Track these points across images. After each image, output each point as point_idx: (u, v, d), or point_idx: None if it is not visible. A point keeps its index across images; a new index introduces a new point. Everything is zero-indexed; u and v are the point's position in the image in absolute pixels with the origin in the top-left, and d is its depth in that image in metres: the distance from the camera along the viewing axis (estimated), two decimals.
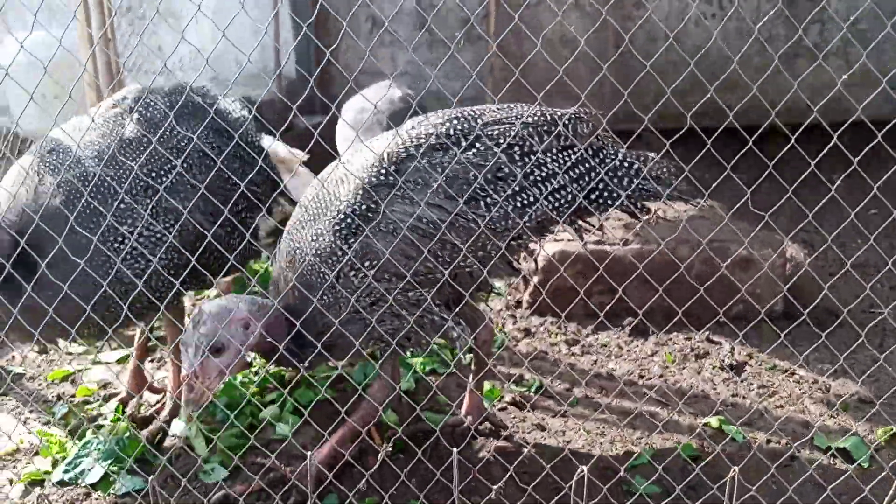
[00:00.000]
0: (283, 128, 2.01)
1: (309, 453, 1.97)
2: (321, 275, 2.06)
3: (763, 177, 1.78)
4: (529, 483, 2.07)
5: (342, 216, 2.05)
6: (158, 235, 2.21)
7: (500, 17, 5.35)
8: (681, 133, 1.71)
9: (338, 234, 2.04)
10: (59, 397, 2.91)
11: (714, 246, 3.50)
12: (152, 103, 2.46)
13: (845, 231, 4.56)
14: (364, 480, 2.05)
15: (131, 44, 4.48)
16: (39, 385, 3.04)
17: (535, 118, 2.21)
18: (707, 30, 5.04)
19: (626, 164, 2.27)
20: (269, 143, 3.59)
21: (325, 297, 2.05)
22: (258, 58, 7.77)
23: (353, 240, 2.04)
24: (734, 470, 1.59)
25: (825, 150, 1.76)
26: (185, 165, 2.36)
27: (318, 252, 2.06)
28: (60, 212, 2.06)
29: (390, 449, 2.29)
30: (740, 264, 3.44)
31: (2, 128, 5.73)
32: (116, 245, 2.17)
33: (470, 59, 7.79)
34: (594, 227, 2.36)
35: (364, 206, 2.05)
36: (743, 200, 1.64)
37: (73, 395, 2.91)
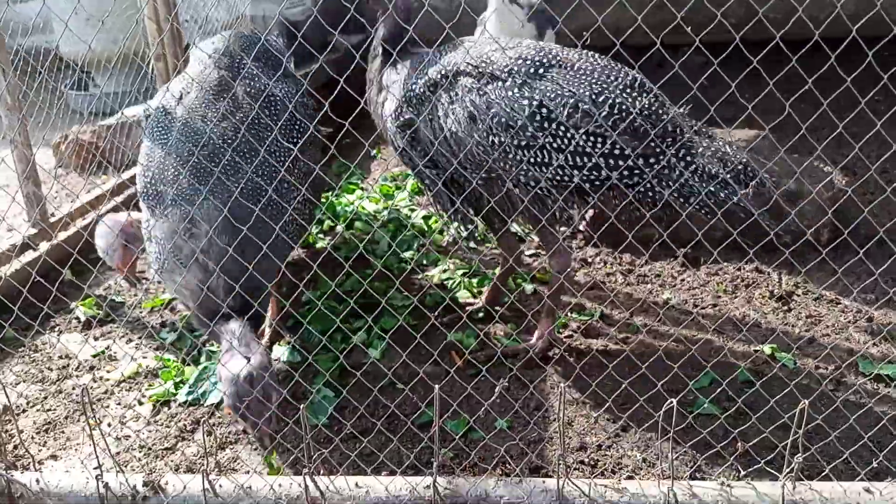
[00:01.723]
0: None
1: (435, 387, 2.24)
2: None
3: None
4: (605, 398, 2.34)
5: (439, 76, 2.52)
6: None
7: None
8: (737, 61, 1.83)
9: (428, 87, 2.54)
10: (163, 324, 3.19)
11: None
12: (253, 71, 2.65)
13: (890, 155, 4.69)
14: (483, 408, 2.32)
15: None
16: (141, 312, 3.32)
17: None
18: None
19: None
20: None
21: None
22: None
23: (444, 96, 2.50)
24: (804, 402, 1.83)
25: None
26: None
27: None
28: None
29: (507, 385, 2.57)
30: (788, 195, 3.60)
31: (42, 47, 5.81)
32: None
33: None
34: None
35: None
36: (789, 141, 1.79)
37: (178, 321, 3.20)
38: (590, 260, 3.66)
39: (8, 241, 3.49)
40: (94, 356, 3.00)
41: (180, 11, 5.06)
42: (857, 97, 1.83)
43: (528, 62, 2.43)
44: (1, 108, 3.33)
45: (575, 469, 2.30)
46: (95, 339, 3.13)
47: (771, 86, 1.78)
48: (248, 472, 2.28)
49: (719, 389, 2.42)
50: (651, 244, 3.50)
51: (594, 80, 2.38)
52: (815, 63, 1.81)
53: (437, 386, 1.86)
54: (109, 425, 2.60)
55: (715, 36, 1.75)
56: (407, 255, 3.73)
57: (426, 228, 4.05)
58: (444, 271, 3.57)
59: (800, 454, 1.88)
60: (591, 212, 3.72)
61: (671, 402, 1.89)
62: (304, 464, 2.03)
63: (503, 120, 2.38)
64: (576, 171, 2.35)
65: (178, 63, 4.26)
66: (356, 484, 2.03)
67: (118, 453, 2.44)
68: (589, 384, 2.70)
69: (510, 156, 2.41)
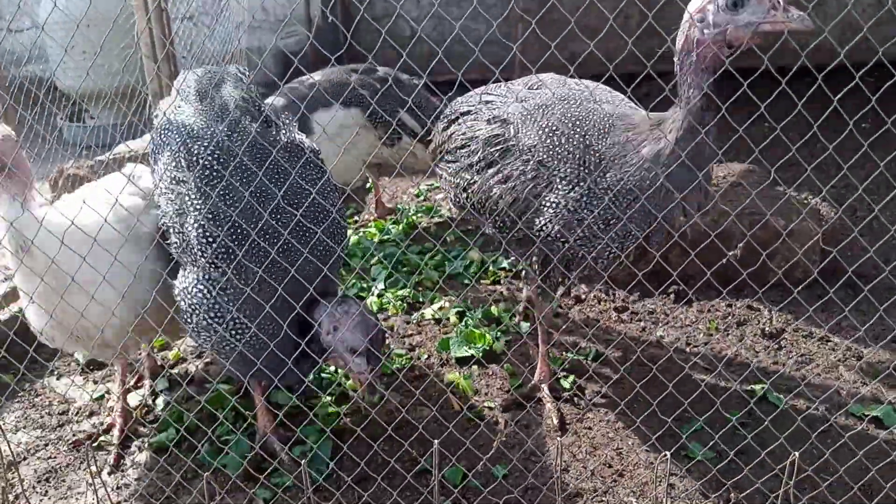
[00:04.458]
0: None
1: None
2: None
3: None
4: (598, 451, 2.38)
5: None
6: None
7: None
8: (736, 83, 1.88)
9: None
10: (162, 367, 3.21)
11: (755, 217, 3.73)
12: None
13: (876, 185, 4.77)
14: (482, 463, 2.35)
15: None
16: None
17: None
18: None
19: None
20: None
21: None
22: (286, 3, 7.79)
23: None
24: (794, 455, 1.87)
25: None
26: None
27: None
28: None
29: (504, 431, 2.58)
30: (778, 233, 3.66)
31: (38, 76, 5.84)
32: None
33: (495, 1, 7.78)
34: None
35: None
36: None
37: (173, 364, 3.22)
38: (583, 297, 3.71)
39: (3, 284, 3.50)
40: (94, 400, 3.01)
41: (176, 48, 5.11)
42: (848, 127, 1.86)
43: None
44: None
45: None
46: (95, 382, 3.15)
47: (779, 129, 1.82)
48: None
49: (712, 442, 2.46)
50: (646, 282, 3.55)
51: None
52: (797, 91, 1.83)
53: (436, 441, 1.90)
54: (110, 473, 2.61)
55: None
56: (402, 292, 3.77)
57: (421, 265, 4.09)
58: (440, 309, 3.61)
59: None
60: None
61: (665, 455, 1.93)
62: None
63: None
64: None
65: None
66: None
67: (119, 502, 2.46)
68: (584, 429, 2.74)
69: None
